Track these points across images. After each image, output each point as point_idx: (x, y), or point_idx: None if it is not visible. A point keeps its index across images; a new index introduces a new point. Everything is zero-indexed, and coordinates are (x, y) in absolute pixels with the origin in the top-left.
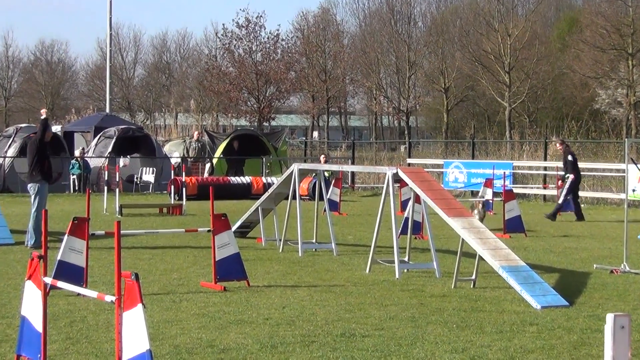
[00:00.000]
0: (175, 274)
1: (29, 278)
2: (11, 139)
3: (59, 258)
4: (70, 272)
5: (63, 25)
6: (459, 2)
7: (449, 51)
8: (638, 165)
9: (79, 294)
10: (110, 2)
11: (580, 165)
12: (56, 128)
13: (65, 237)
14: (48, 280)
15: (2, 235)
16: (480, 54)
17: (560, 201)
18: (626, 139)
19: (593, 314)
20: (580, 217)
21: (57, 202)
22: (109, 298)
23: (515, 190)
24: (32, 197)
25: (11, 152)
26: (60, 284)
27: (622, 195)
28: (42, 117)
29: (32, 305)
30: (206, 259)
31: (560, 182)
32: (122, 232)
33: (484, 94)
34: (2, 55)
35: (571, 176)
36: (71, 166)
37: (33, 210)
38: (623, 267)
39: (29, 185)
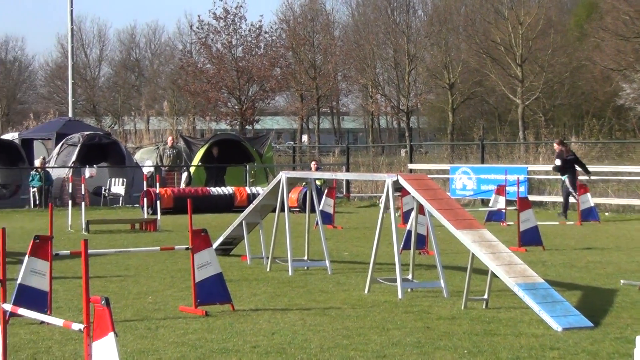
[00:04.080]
0: (150, 298)
1: None
2: None
3: (19, 282)
4: (32, 298)
5: (18, 20)
6: None
7: (453, 42)
8: None
9: (42, 322)
10: None
11: (604, 168)
12: (13, 135)
13: (26, 258)
14: (8, 307)
15: None
16: (489, 45)
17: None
18: None
19: (621, 336)
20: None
21: (15, 219)
22: (76, 326)
23: (531, 198)
24: None
25: None
26: (22, 311)
27: None
28: None
29: None
30: (185, 280)
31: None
32: (89, 251)
33: (494, 90)
34: None
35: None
36: (31, 178)
37: None
38: None
39: None
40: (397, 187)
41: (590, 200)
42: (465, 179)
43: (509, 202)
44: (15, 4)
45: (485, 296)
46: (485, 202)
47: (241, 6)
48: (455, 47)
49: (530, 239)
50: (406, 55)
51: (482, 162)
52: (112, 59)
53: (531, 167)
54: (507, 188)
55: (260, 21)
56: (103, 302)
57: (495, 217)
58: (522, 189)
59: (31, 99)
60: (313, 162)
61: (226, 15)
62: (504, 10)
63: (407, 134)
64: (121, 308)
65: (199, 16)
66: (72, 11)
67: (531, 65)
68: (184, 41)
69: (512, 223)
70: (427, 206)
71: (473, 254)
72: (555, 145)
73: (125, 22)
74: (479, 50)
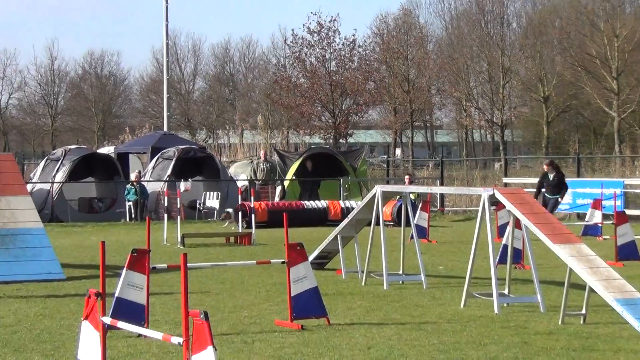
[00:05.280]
0: (246, 312)
1: (86, 318)
2: (59, 162)
3: (116, 295)
4: (129, 311)
5: (114, 35)
6: None
7: (548, 55)
8: None
9: (140, 335)
10: (167, 8)
11: None
12: (109, 149)
13: (124, 271)
14: (107, 320)
15: (52, 269)
16: (584, 58)
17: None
18: None
19: None
20: None
21: (112, 232)
22: (175, 340)
23: (628, 212)
24: None
25: (60, 176)
26: (121, 324)
27: None
28: None
29: (89, 348)
30: (280, 294)
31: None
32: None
33: (589, 103)
34: (47, 68)
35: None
36: (127, 192)
37: None
38: None
39: None
40: (493, 201)
41: None
42: None
43: (605, 217)
44: (111, 19)
45: (583, 311)
46: (581, 217)
47: (335, 20)
48: (550, 60)
49: (627, 253)
50: (500, 69)
51: (578, 176)
52: (206, 73)
53: (628, 181)
54: (604, 202)
55: (354, 35)
56: (202, 315)
57: (591, 231)
58: (618, 203)
59: (126, 113)
60: (407, 176)
61: (320, 29)
62: (600, 23)
63: (501, 148)
64: (217, 321)
65: (292, 30)
66: (167, 26)
67: (627, 78)
68: (277, 55)
69: (608, 237)
70: (524, 220)
71: (570, 269)
72: (546, 167)
73: (220, 36)
74: (574, 63)
